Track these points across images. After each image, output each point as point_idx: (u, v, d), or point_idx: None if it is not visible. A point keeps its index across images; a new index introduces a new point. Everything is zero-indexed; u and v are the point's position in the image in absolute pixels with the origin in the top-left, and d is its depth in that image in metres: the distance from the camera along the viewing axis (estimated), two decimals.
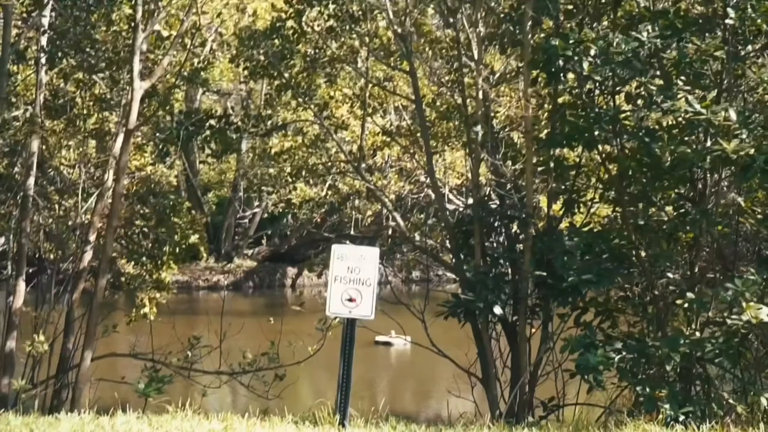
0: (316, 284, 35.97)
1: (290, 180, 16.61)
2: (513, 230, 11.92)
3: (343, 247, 9.20)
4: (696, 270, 11.19)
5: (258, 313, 26.23)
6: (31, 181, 13.11)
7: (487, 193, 12.54)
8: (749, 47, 11.17)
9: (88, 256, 12.61)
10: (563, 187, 11.96)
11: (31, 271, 13.82)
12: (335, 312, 9.08)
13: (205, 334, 13.59)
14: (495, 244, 12.25)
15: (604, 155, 11.46)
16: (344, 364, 8.91)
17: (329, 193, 22.26)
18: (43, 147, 14.95)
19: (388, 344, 23.94)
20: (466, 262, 11.81)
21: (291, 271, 37.71)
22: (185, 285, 34.19)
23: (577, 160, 12.18)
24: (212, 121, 14.45)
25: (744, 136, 9.73)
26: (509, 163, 12.58)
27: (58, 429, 7.84)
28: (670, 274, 11.27)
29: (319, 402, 9.13)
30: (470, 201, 12.49)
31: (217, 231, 37.11)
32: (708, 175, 11.03)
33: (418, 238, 15.34)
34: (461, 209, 13.34)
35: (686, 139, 10.53)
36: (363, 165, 14.49)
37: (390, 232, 28.68)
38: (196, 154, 34.41)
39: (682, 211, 10.88)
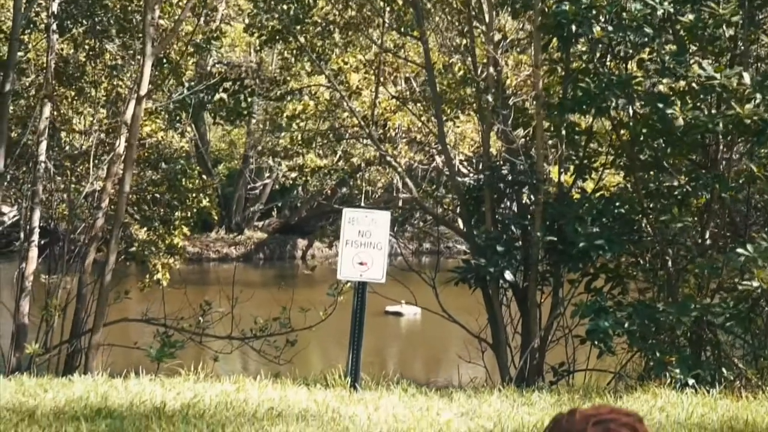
0: (327, 255, 36.00)
1: (302, 148, 16.56)
2: (523, 197, 11.92)
3: (354, 211, 9.24)
4: (707, 236, 11.18)
5: (268, 284, 26.29)
6: (44, 145, 13.11)
7: (498, 159, 12.52)
8: (762, 13, 11.12)
9: (100, 222, 12.63)
10: (574, 153, 11.94)
11: (43, 242, 13.86)
12: (346, 275, 9.14)
13: (217, 301, 13.64)
14: (506, 211, 12.25)
15: (615, 121, 11.43)
16: (355, 327, 8.97)
17: (340, 162, 22.25)
18: (55, 114, 14.98)
19: (398, 314, 23.99)
20: (477, 228, 11.81)
21: (301, 242, 37.75)
22: (196, 256, 34.28)
23: (588, 126, 12.15)
24: (226, 84, 14.43)
25: (758, 101, 9.69)
26: (520, 130, 12.55)
27: (72, 390, 7.92)
28: (681, 240, 11.26)
29: (331, 366, 9.20)
30: (481, 168, 12.47)
31: (227, 203, 37.16)
32: (721, 141, 11.01)
33: (428, 207, 15.31)
34: (472, 176, 13.30)
35: (699, 105, 10.51)
36: (375, 133, 14.44)
37: (400, 203, 28.71)
38: (206, 126, 34.40)
39: (694, 176, 10.85)
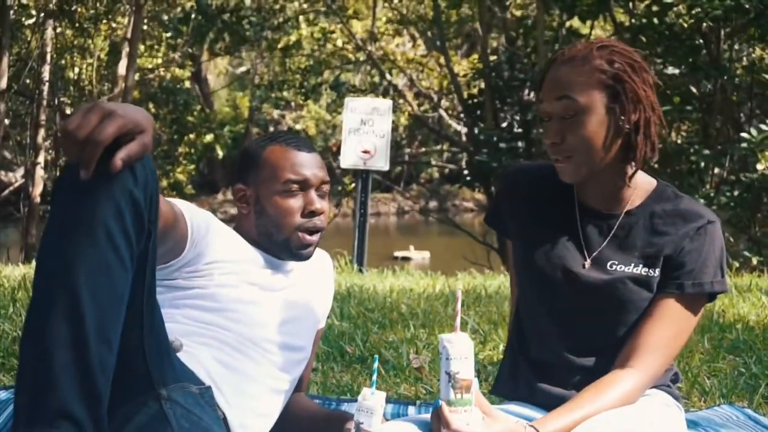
0: (333, 212, 36.05)
1: (301, 79, 16.46)
2: (525, 97, 11.87)
3: (355, 100, 9.25)
4: (710, 131, 11.17)
5: None
6: (47, 67, 13.07)
7: (499, 59, 12.45)
8: None
9: None
10: None
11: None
12: (350, 164, 9.15)
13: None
14: (507, 116, 12.21)
15: (616, 24, 11.40)
16: (360, 214, 9.01)
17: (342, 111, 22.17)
18: (55, 55, 14.96)
19: (406, 259, 24.00)
20: (479, 127, 11.77)
21: None
22: None
23: (589, 30, 12.13)
24: (225, 16, 14.43)
25: None
26: (521, 38, 12.50)
27: None
28: (684, 135, 11.25)
29: (336, 252, 9.21)
30: (481, 70, 12.41)
31: (233, 165, 37.20)
32: (722, 35, 10.97)
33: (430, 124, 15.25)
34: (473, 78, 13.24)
35: None
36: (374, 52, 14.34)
37: (406, 158, 28.72)
38: (209, 85, 34.40)
39: (696, 66, 10.81)
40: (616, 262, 2.29)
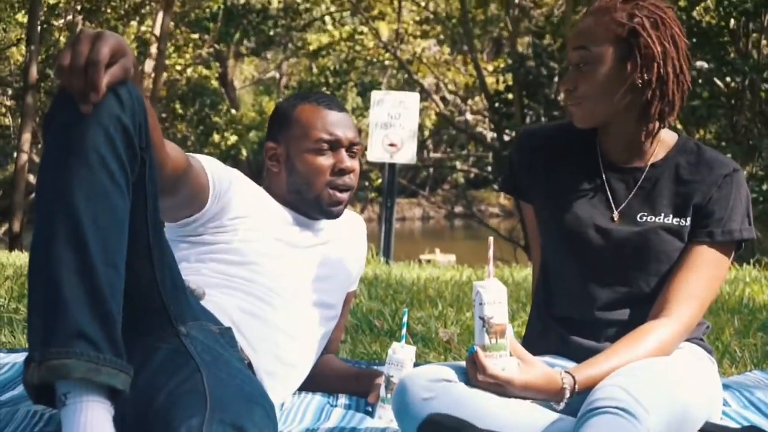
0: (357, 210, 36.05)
1: (327, 81, 16.49)
2: (553, 93, 11.85)
3: (382, 93, 9.26)
4: (738, 126, 11.11)
5: None
6: None
7: (527, 53, 12.41)
8: None
9: None
10: None
11: None
12: (376, 157, 9.14)
13: None
14: (534, 112, 12.17)
15: None
16: (386, 206, 9.02)
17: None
18: None
19: (432, 262, 23.92)
20: (506, 123, 11.74)
21: None
22: None
23: None
24: (251, 17, 14.51)
25: None
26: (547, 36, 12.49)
27: None
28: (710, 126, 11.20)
29: None
30: (509, 65, 12.38)
31: (259, 169, 37.32)
32: (751, 30, 10.91)
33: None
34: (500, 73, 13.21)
35: None
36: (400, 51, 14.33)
37: (431, 162, 28.64)
38: (235, 89, 34.55)
39: (726, 60, 10.76)
40: (646, 214, 2.29)
